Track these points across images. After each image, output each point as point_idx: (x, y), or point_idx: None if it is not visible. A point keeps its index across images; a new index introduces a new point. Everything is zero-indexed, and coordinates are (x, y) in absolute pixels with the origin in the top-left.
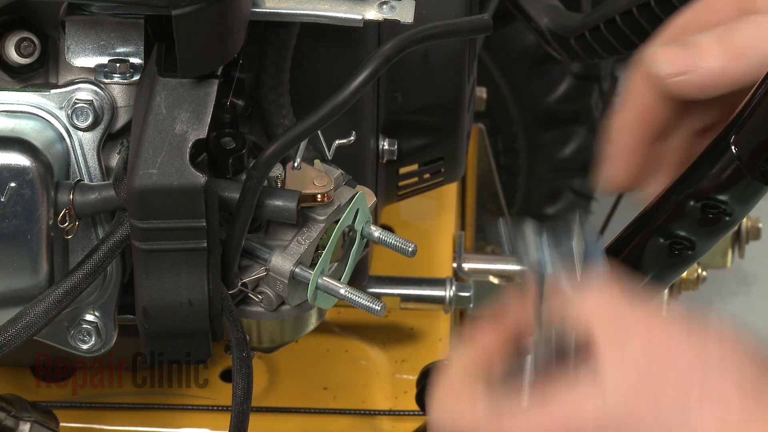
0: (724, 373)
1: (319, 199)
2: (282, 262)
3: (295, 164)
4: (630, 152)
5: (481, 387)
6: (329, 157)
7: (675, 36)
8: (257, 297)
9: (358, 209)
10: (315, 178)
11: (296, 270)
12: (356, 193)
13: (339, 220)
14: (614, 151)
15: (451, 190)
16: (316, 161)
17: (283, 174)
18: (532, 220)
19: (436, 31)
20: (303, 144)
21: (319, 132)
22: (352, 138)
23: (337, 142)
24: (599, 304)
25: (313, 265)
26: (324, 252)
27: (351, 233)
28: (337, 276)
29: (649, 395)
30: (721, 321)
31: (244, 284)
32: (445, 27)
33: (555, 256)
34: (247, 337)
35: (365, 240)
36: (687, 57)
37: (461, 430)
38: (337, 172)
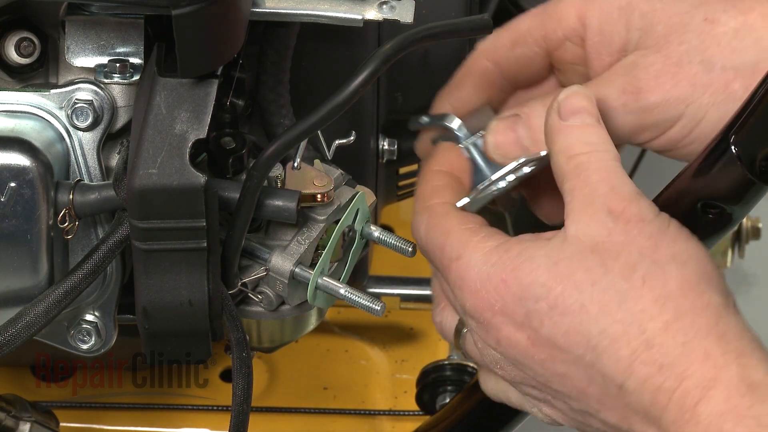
0: (670, 263)
1: (319, 199)
2: (282, 262)
3: (295, 164)
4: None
5: (454, 217)
6: (329, 157)
7: (514, 39)
8: (257, 297)
9: (358, 209)
10: (315, 178)
11: (296, 270)
12: (356, 193)
13: (339, 220)
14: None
15: None
16: (316, 161)
17: (283, 174)
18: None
19: (436, 31)
20: (303, 144)
21: (319, 132)
22: (351, 138)
23: (337, 142)
24: (588, 154)
25: (313, 265)
26: (324, 252)
27: (351, 233)
28: (336, 276)
29: (600, 258)
30: (681, 227)
31: (244, 284)
32: (445, 27)
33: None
34: (247, 337)
35: (365, 240)
36: (522, 149)
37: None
38: (337, 172)
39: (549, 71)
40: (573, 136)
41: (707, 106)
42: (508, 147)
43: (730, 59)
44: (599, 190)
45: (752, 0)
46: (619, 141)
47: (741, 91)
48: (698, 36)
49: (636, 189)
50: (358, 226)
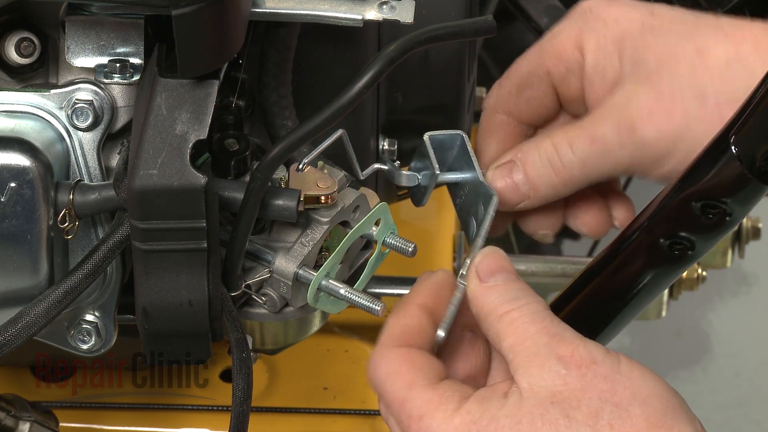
0: (633, 402)
1: (322, 201)
2: (285, 263)
3: (300, 166)
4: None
5: (418, 369)
6: (362, 177)
7: (519, 83)
8: (261, 299)
9: (380, 219)
10: (318, 180)
11: (300, 272)
12: (379, 203)
13: (344, 221)
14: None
15: None
16: (320, 162)
17: (287, 176)
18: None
19: (440, 32)
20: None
21: (353, 154)
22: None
23: (376, 165)
24: (519, 317)
25: (317, 267)
26: (331, 256)
27: (374, 243)
28: (340, 278)
29: (561, 409)
30: (630, 361)
31: (248, 286)
32: (449, 28)
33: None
34: (248, 338)
35: (388, 251)
36: (521, 195)
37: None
38: (341, 173)
39: (559, 106)
40: (497, 296)
41: (703, 138)
42: (507, 193)
43: (723, 91)
44: (541, 339)
45: (744, 28)
46: (616, 175)
47: None
48: (690, 69)
49: (576, 332)
50: (380, 236)
